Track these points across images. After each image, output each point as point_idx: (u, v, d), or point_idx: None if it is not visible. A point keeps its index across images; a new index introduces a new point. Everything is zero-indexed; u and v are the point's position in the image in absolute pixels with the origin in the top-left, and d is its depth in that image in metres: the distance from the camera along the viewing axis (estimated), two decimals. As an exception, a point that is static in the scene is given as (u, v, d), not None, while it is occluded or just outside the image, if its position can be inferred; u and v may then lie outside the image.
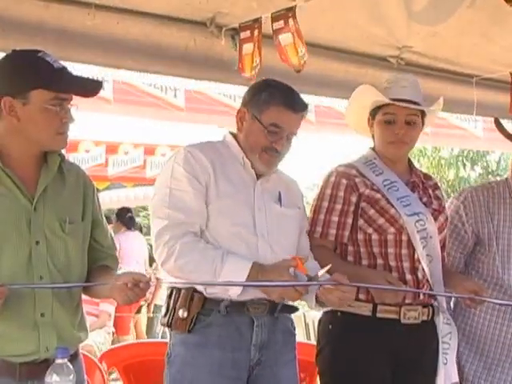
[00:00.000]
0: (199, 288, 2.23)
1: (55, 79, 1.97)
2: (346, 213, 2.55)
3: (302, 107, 2.36)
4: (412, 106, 2.54)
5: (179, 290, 2.26)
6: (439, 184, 2.81)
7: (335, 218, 2.55)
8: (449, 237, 2.76)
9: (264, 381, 2.29)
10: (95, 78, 2.14)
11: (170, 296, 2.30)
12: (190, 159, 2.29)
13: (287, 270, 2.15)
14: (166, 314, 2.29)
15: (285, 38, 2.90)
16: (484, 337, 2.80)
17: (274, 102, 2.31)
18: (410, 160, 2.72)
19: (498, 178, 13.42)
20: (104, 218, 2.25)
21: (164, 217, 2.24)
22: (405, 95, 2.55)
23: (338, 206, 2.55)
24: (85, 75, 2.13)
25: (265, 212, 2.33)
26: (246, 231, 2.28)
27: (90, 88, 2.09)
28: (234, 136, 2.41)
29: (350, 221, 2.55)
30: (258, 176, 2.37)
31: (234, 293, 2.19)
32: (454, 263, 2.84)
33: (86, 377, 2.19)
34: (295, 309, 2.41)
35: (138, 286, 1.96)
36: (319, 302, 2.28)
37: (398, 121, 2.54)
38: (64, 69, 2.03)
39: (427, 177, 2.76)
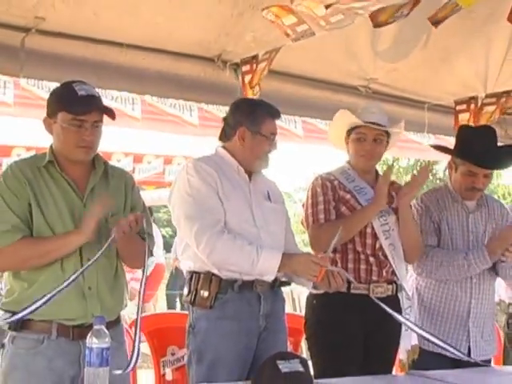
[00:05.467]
0: (216, 272, 2.22)
1: (74, 104, 1.97)
2: (327, 201, 2.56)
3: (279, 114, 2.39)
4: (377, 127, 2.56)
5: (198, 274, 2.24)
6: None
7: (321, 207, 2.55)
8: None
9: (268, 344, 2.27)
10: (110, 108, 2.08)
11: (190, 279, 2.26)
12: (199, 170, 2.25)
13: (313, 255, 2.23)
14: (188, 294, 2.26)
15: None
16: (438, 309, 2.74)
17: (266, 116, 2.32)
18: (377, 172, 2.73)
19: (439, 183, 13.46)
20: (143, 205, 2.20)
21: (197, 218, 2.19)
22: (373, 119, 2.57)
23: (320, 198, 2.56)
24: (105, 102, 2.09)
25: (260, 208, 2.32)
26: (248, 225, 2.27)
27: (108, 113, 2.06)
28: (225, 149, 2.37)
29: (332, 207, 2.56)
30: (249, 179, 2.36)
31: (269, 278, 2.21)
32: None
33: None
34: (288, 283, 2.41)
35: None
36: (314, 287, 2.33)
37: (367, 139, 2.57)
38: (87, 96, 2.00)
39: (390, 183, 2.71)
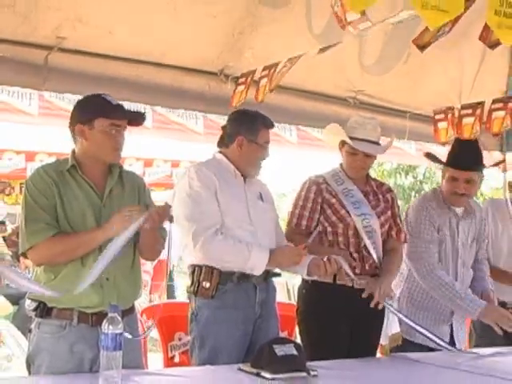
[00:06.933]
0: (217, 265, 2.24)
1: (112, 111, 2.00)
2: (313, 209, 2.55)
3: (273, 124, 2.40)
4: (367, 152, 2.54)
5: (200, 268, 2.25)
6: (392, 188, 2.78)
7: (306, 213, 2.56)
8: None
9: (262, 330, 2.29)
10: (142, 112, 2.12)
11: (193, 272, 2.28)
12: (200, 174, 2.26)
13: (294, 248, 2.27)
14: (191, 285, 2.28)
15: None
16: (423, 301, 2.71)
17: (261, 127, 2.33)
18: (368, 174, 2.71)
19: (424, 186, 13.42)
20: (153, 203, 2.18)
21: (194, 220, 2.20)
22: (367, 136, 2.56)
23: (309, 205, 2.56)
24: (134, 110, 2.12)
25: (255, 207, 2.33)
26: (245, 222, 2.29)
27: (139, 119, 2.10)
28: (223, 154, 2.39)
29: (317, 216, 2.56)
30: (244, 181, 2.37)
31: (258, 272, 2.22)
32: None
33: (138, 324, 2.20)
34: (279, 274, 2.43)
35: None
36: (308, 274, 2.34)
37: (359, 154, 2.56)
38: (119, 105, 2.05)
39: (380, 185, 2.73)
